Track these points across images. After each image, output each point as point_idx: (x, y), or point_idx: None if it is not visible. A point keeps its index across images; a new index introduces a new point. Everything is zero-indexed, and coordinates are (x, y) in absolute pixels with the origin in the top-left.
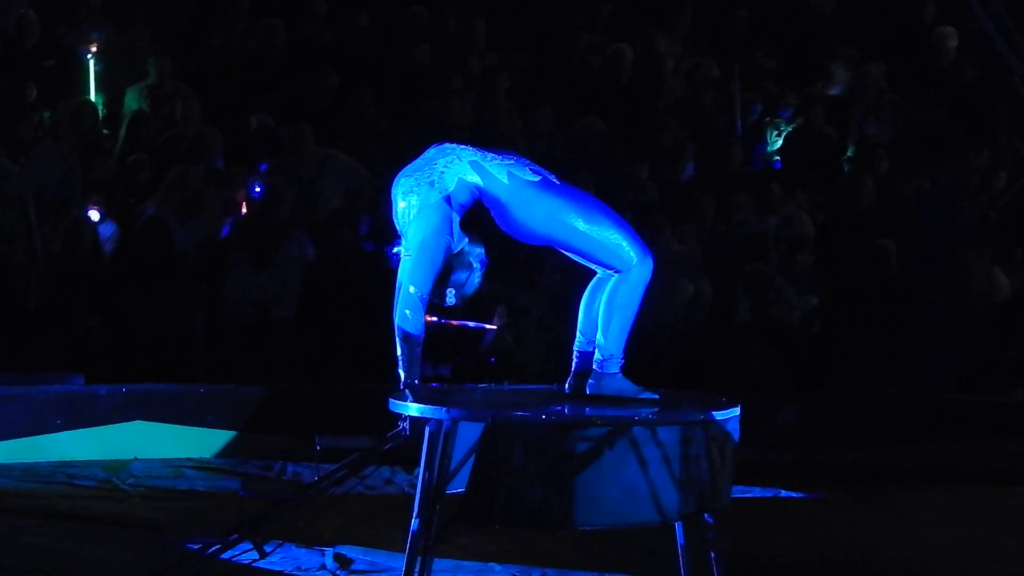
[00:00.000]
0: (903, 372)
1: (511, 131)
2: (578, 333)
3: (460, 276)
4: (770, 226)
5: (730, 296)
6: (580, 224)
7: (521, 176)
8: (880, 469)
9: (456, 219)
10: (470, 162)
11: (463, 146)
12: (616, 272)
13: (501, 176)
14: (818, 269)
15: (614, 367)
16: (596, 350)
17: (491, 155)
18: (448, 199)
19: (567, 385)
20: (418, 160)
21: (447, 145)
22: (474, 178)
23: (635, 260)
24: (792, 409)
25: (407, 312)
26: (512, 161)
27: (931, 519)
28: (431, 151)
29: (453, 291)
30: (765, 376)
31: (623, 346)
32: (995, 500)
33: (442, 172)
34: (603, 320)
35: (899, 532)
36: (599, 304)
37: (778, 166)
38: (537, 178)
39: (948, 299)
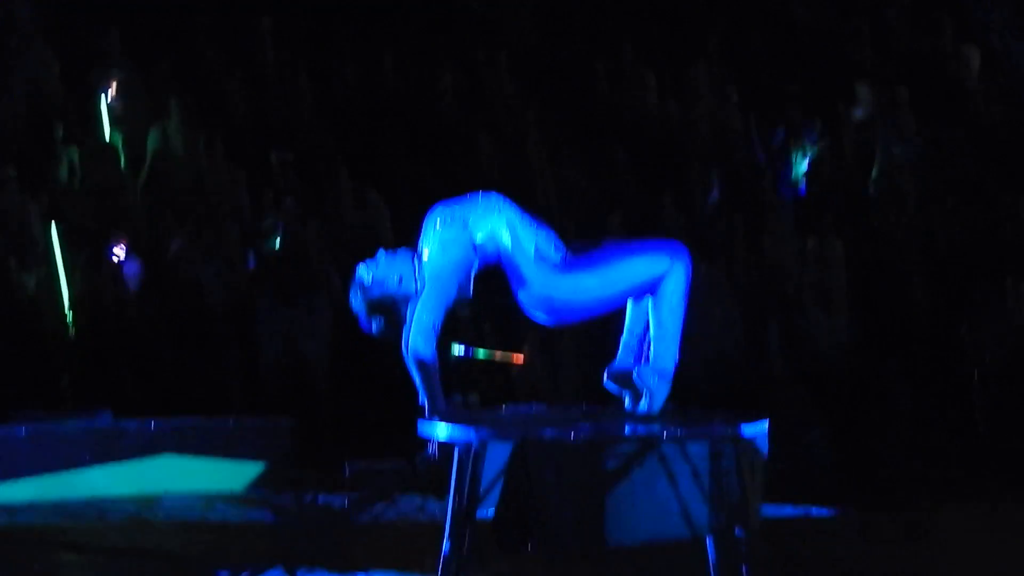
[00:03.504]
0: (933, 394)
1: (537, 162)
2: (625, 330)
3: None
4: (799, 252)
5: (760, 327)
6: (603, 277)
7: (545, 253)
8: (910, 487)
9: (476, 266)
10: (507, 220)
11: (508, 203)
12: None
13: (529, 249)
14: (848, 297)
15: (669, 364)
16: (651, 344)
17: (527, 221)
18: (475, 246)
19: (606, 375)
20: (461, 197)
21: (494, 195)
22: (504, 239)
23: (667, 264)
24: (822, 432)
25: (419, 340)
26: (543, 235)
27: (963, 534)
28: (477, 195)
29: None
30: (796, 400)
31: (678, 340)
32: None
33: (479, 218)
34: (655, 317)
35: (933, 547)
36: (646, 303)
37: (804, 192)
38: (558, 256)
39: (976, 323)
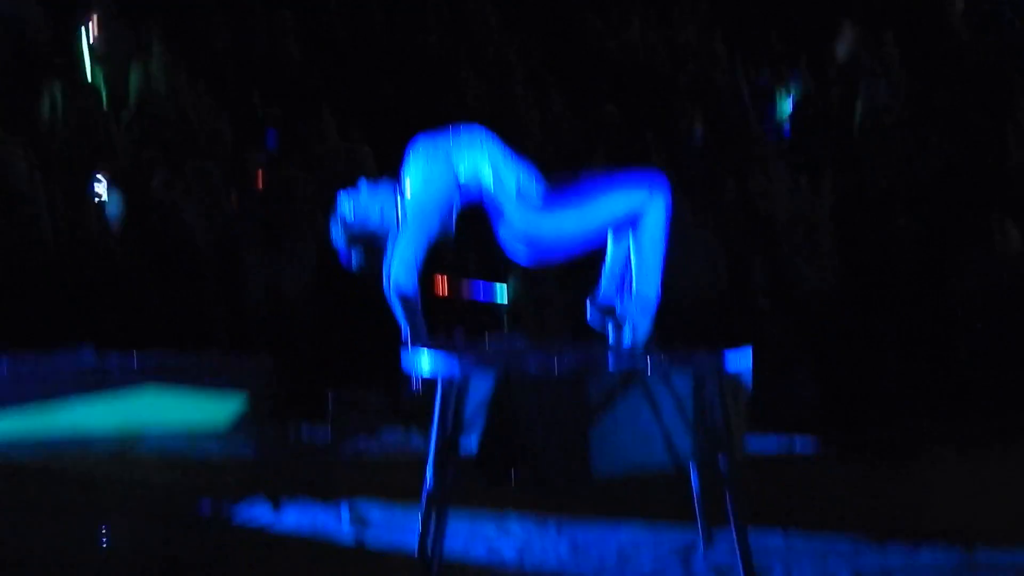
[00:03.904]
0: (921, 347)
1: (526, 119)
2: (607, 264)
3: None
4: (786, 201)
5: (747, 273)
6: (584, 212)
7: (527, 192)
8: (899, 440)
9: (458, 205)
10: (490, 156)
11: (491, 137)
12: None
13: (511, 188)
14: (834, 241)
15: (652, 296)
16: (634, 277)
17: (510, 158)
18: (458, 183)
19: (588, 309)
20: (443, 132)
21: (477, 128)
22: (487, 178)
23: (647, 198)
24: (810, 385)
25: (400, 275)
26: (525, 171)
27: (947, 477)
28: (459, 129)
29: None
30: (785, 354)
31: (659, 275)
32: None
33: (461, 152)
34: (636, 250)
35: (915, 478)
36: (627, 235)
37: (788, 135)
38: (540, 194)
39: (970, 273)
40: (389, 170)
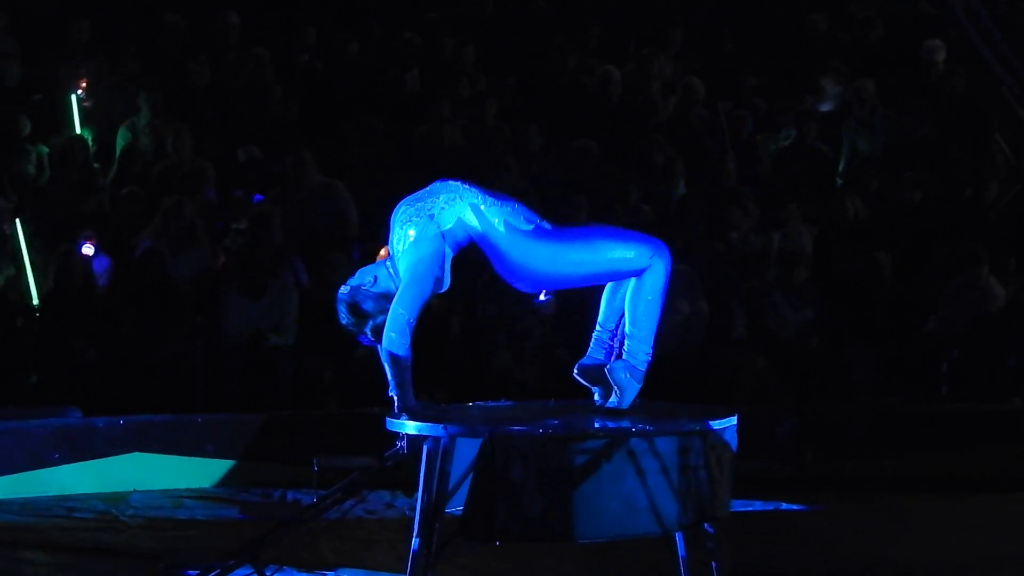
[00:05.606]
0: (901, 383)
1: (503, 155)
2: (597, 325)
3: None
4: (765, 242)
5: (727, 312)
6: (584, 255)
7: (516, 224)
8: (881, 479)
9: (449, 256)
10: (471, 204)
11: (467, 186)
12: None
13: (498, 223)
14: (814, 283)
15: (642, 362)
16: (625, 340)
17: (491, 199)
18: (444, 235)
19: (576, 370)
20: (421, 192)
21: (451, 182)
22: (472, 221)
23: (649, 259)
24: (792, 422)
25: (393, 335)
26: (509, 208)
27: (932, 527)
28: (436, 185)
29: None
30: (764, 391)
31: (652, 338)
32: (996, 507)
33: (443, 208)
34: (630, 313)
35: (901, 540)
36: (622, 297)
37: (771, 182)
38: (531, 226)
39: (945, 310)
40: (373, 223)
